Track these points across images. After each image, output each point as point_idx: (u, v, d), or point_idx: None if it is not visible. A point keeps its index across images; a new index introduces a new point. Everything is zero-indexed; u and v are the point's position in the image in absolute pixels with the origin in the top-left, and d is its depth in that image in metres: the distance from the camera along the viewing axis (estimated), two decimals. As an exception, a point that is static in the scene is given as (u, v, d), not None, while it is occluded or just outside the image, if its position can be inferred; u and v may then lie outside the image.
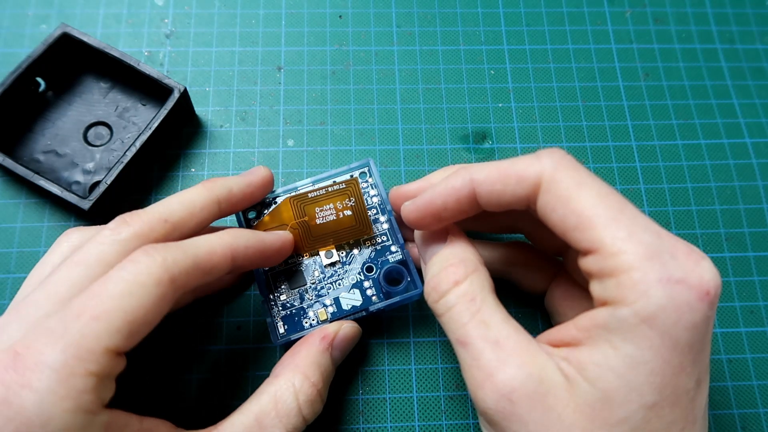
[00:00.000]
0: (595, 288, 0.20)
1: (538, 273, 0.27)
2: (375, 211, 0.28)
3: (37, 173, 0.29)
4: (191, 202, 0.24)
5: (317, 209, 0.27)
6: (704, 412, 0.20)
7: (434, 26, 0.36)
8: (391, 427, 0.27)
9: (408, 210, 0.24)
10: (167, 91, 0.31)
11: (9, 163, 0.29)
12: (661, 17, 0.37)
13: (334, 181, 0.28)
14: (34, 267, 0.23)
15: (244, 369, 0.28)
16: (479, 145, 0.33)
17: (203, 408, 0.27)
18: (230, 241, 0.23)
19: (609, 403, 0.19)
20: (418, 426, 0.27)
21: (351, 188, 0.27)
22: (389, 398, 0.28)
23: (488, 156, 0.33)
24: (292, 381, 0.23)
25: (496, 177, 0.22)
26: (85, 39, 0.31)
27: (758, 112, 0.35)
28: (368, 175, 0.28)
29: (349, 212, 0.27)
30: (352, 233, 0.27)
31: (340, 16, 0.36)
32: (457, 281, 0.22)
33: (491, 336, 0.20)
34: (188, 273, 0.21)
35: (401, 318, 0.29)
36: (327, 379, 0.24)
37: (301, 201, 0.27)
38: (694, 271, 0.19)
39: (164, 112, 0.30)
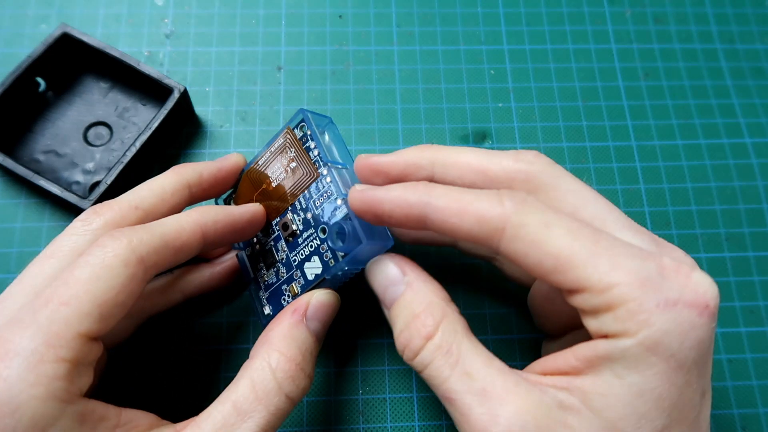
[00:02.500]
0: (591, 323, 0.19)
1: None
2: (317, 165, 0.25)
3: (37, 173, 0.29)
4: (161, 187, 0.24)
5: (269, 173, 0.27)
6: (708, 421, 0.20)
7: (434, 26, 0.36)
8: (391, 427, 0.27)
9: (354, 197, 0.22)
10: (167, 91, 0.31)
11: (9, 163, 0.29)
12: (661, 17, 0.37)
13: (274, 141, 0.27)
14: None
15: (244, 369, 0.28)
16: (479, 145, 0.33)
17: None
18: (197, 217, 0.22)
19: None
20: (418, 426, 0.27)
21: (287, 139, 0.26)
22: (389, 398, 0.28)
23: (488, 156, 0.33)
24: (267, 360, 0.21)
25: (455, 210, 0.20)
26: (85, 39, 0.31)
27: (758, 112, 0.35)
28: (306, 128, 0.26)
29: (294, 164, 0.26)
30: (304, 183, 0.26)
31: (340, 16, 0.36)
32: (428, 335, 0.21)
33: (476, 387, 0.19)
34: (157, 252, 0.21)
35: (401, 318, 0.29)
36: (307, 352, 0.22)
37: (256, 171, 0.27)
38: (688, 287, 0.18)
39: (164, 112, 0.30)
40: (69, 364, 0.18)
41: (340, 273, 0.24)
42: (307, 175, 0.25)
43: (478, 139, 0.33)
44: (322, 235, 0.25)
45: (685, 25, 0.37)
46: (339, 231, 0.24)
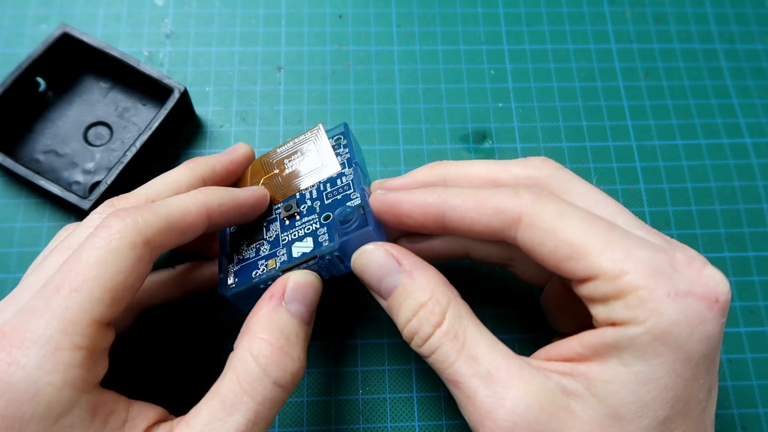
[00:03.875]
0: (600, 311, 0.19)
1: (539, 266, 0.27)
2: (340, 161, 0.26)
3: (37, 173, 0.29)
4: (176, 182, 0.24)
5: (286, 161, 0.27)
6: (713, 419, 0.20)
7: (434, 26, 0.36)
8: (391, 427, 0.27)
9: (376, 199, 0.23)
10: (167, 91, 0.31)
11: (9, 163, 0.29)
12: (661, 17, 0.37)
13: (301, 135, 0.28)
14: (31, 264, 0.23)
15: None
16: (479, 145, 0.33)
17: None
18: (203, 199, 0.22)
19: (618, 420, 0.18)
20: (418, 426, 0.27)
21: (315, 134, 0.27)
22: (389, 398, 0.28)
23: (488, 156, 0.33)
24: (249, 349, 0.21)
25: (472, 206, 0.21)
26: (85, 39, 0.31)
27: (758, 112, 0.35)
28: (343, 138, 0.27)
29: (315, 156, 0.26)
30: (320, 175, 0.26)
31: (340, 16, 0.36)
32: (438, 323, 0.21)
33: (482, 370, 0.20)
34: (162, 233, 0.21)
35: (401, 318, 0.29)
36: (290, 335, 0.21)
37: (271, 157, 0.27)
38: (699, 281, 0.18)
39: (164, 112, 0.30)
40: (85, 352, 0.18)
41: (328, 256, 0.23)
42: (325, 169, 0.26)
43: (478, 139, 0.33)
44: (323, 221, 0.25)
45: (685, 25, 0.37)
46: (345, 217, 0.23)
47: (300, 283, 0.23)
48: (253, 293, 0.24)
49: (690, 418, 0.19)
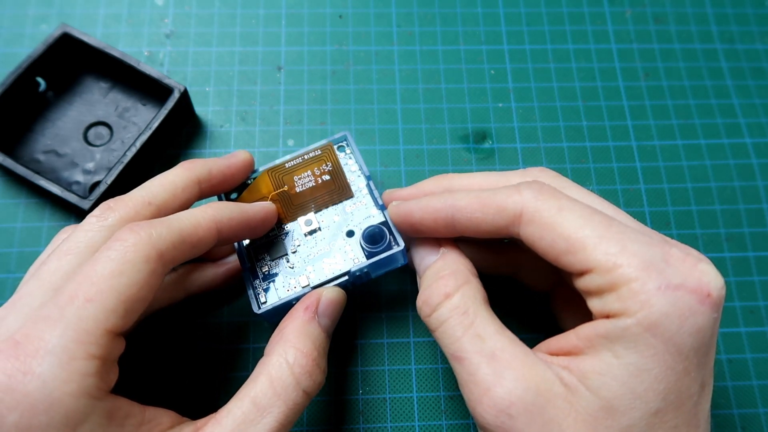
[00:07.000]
0: (595, 304, 0.20)
1: (545, 273, 0.27)
2: (353, 179, 0.28)
3: (38, 173, 0.29)
4: (172, 183, 0.24)
5: (295, 178, 0.27)
6: (707, 416, 0.20)
7: (434, 26, 0.36)
8: (391, 427, 0.27)
9: (391, 211, 0.25)
10: (167, 91, 0.31)
11: (9, 163, 0.29)
12: (661, 17, 0.37)
13: (310, 150, 0.28)
14: (31, 265, 0.23)
15: (245, 369, 0.28)
16: (479, 145, 0.33)
17: (206, 410, 0.27)
18: (213, 213, 0.23)
19: (611, 412, 0.19)
20: (418, 426, 0.27)
21: (326, 154, 0.28)
22: (389, 398, 0.28)
23: (488, 156, 0.33)
24: (284, 356, 0.22)
25: (477, 206, 0.22)
26: (85, 39, 0.31)
27: (758, 112, 0.35)
28: (346, 147, 0.28)
29: (327, 177, 0.27)
30: (333, 196, 0.27)
31: (340, 16, 0.36)
32: (448, 294, 0.22)
33: (486, 349, 0.20)
34: (175, 247, 0.21)
35: (401, 318, 0.29)
36: (320, 347, 0.23)
37: (279, 172, 0.28)
38: (692, 275, 0.19)
39: (164, 112, 0.30)
40: (99, 361, 0.19)
41: (357, 272, 0.25)
42: (340, 188, 0.27)
43: (478, 139, 0.33)
44: (347, 237, 0.26)
45: (685, 25, 0.37)
46: (372, 233, 0.25)
47: (331, 299, 0.24)
48: (283, 308, 0.25)
49: (682, 412, 0.19)
